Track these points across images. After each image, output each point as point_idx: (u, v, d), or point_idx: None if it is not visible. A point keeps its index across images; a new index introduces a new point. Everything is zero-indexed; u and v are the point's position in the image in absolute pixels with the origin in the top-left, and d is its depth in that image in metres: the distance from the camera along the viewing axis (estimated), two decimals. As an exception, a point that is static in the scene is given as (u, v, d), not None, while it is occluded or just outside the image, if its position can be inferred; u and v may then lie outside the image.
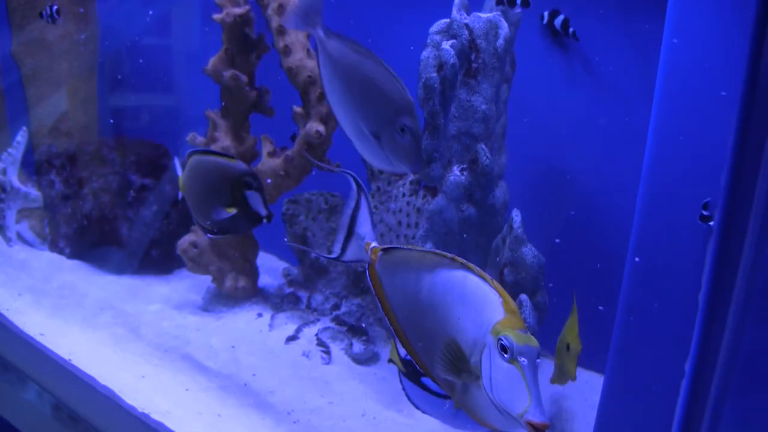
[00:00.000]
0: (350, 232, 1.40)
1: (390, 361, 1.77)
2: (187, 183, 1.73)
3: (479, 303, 1.15)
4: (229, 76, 2.09)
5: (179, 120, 2.91)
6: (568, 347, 1.66)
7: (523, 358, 1.07)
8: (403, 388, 1.62)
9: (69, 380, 2.02)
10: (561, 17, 1.86)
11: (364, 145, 1.31)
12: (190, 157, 1.70)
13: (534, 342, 1.08)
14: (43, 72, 2.73)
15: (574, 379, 1.65)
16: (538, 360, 1.08)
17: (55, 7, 2.16)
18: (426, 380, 1.57)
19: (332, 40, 1.32)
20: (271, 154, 2.11)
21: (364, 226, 1.39)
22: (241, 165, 1.64)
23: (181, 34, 2.80)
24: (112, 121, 2.91)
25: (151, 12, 2.51)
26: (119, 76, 2.98)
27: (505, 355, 1.07)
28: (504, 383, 1.09)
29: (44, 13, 2.22)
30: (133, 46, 2.95)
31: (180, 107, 2.91)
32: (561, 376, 1.71)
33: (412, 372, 1.58)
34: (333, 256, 1.41)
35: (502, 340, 1.08)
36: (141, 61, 2.91)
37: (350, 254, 1.41)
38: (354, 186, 1.37)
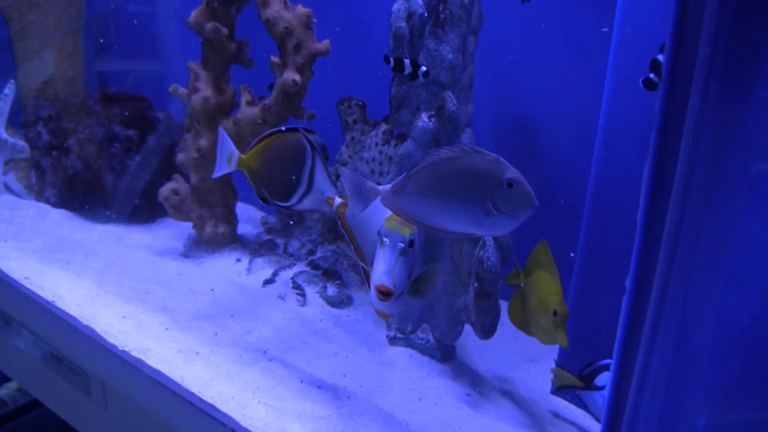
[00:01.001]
0: (309, 187, 1.60)
1: (558, 388, 1.88)
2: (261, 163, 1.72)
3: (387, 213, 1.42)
4: (210, 28, 2.19)
5: (164, 78, 2.99)
6: (555, 313, 1.61)
7: (386, 239, 1.39)
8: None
9: (52, 321, 2.11)
10: None
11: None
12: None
13: (402, 230, 1.39)
14: (30, 27, 2.80)
15: (566, 346, 1.62)
16: (406, 246, 1.38)
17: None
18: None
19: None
20: (250, 103, 2.20)
21: (322, 182, 1.60)
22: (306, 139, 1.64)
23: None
24: (97, 75, 2.99)
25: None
26: (105, 34, 3.06)
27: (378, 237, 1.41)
28: (375, 257, 1.42)
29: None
30: (118, 4, 3.02)
31: (164, 67, 2.99)
32: (548, 340, 1.69)
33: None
34: (288, 204, 1.58)
35: (380, 227, 1.41)
36: (133, 21, 2.99)
37: (306, 204, 1.64)
38: (307, 146, 1.56)
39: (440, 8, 1.80)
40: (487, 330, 1.84)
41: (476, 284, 1.77)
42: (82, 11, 2.86)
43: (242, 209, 2.60)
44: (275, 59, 2.12)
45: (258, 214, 2.72)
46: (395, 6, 1.83)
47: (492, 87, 2.09)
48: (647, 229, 1.03)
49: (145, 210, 2.70)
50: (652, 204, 1.02)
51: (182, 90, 2.31)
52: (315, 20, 2.06)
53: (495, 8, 1.98)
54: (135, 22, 3.02)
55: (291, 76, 2.06)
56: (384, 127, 2.14)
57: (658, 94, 0.99)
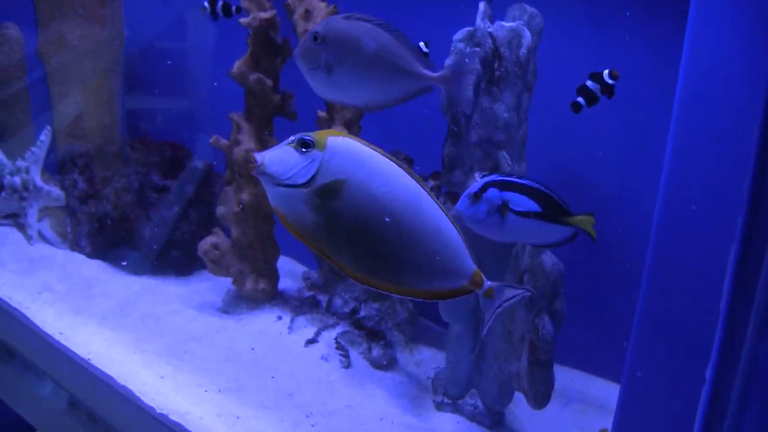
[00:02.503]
0: None
1: None
2: None
3: None
4: (255, 79, 2.18)
5: (200, 123, 3.00)
6: None
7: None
8: None
9: (88, 379, 2.10)
10: None
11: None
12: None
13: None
14: (67, 71, 2.82)
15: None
16: (296, 140, 1.28)
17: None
18: None
19: None
20: (295, 157, 2.20)
21: None
22: None
23: (203, 36, 2.88)
24: (133, 122, 3.00)
25: (173, 13, 2.58)
26: (141, 77, 3.07)
27: None
28: None
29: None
30: (155, 47, 3.03)
31: (201, 109, 2.99)
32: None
33: None
34: None
35: None
36: (168, 62, 3.00)
37: None
38: None
39: (495, 65, 1.78)
40: (540, 399, 1.81)
41: (530, 352, 1.74)
42: (121, 56, 2.87)
43: (283, 262, 2.58)
44: (321, 113, 2.11)
45: (300, 268, 2.71)
46: (447, 61, 1.82)
47: (546, 142, 2.07)
48: (730, 322, 0.99)
49: (182, 261, 2.69)
50: (737, 294, 0.98)
51: (223, 141, 2.31)
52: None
53: (549, 62, 1.95)
54: (168, 61, 3.03)
55: (339, 131, 2.04)
56: (432, 183, 2.12)
57: (748, 178, 0.96)
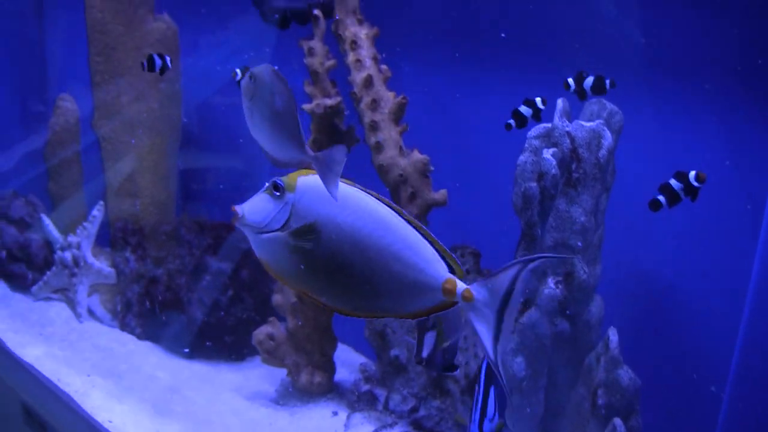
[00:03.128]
0: None
1: None
2: None
3: None
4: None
5: (246, 178, 2.98)
6: None
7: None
8: None
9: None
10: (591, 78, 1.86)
11: None
12: None
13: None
14: (123, 147, 2.83)
15: None
16: (270, 185, 1.31)
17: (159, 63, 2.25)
18: None
19: None
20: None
21: None
22: None
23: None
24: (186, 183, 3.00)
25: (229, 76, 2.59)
26: (196, 140, 3.07)
27: None
28: None
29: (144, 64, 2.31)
30: (209, 114, 3.03)
31: (247, 166, 2.97)
32: None
33: None
34: None
35: None
36: (219, 125, 2.99)
37: None
38: None
39: (573, 166, 1.72)
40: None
41: None
42: (179, 135, 2.87)
43: (340, 350, 2.52)
44: (388, 207, 2.06)
45: (358, 358, 2.65)
46: (521, 158, 1.77)
47: (622, 244, 2.00)
48: None
49: (235, 347, 2.64)
50: None
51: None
52: (432, 168, 2.01)
53: (628, 161, 1.90)
54: (222, 121, 3.03)
55: (403, 228, 1.99)
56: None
57: None
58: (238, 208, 1.31)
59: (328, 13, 2.17)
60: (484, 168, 2.17)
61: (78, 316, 2.91)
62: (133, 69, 2.69)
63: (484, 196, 2.15)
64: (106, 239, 3.06)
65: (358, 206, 1.30)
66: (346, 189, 1.31)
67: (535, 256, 1.47)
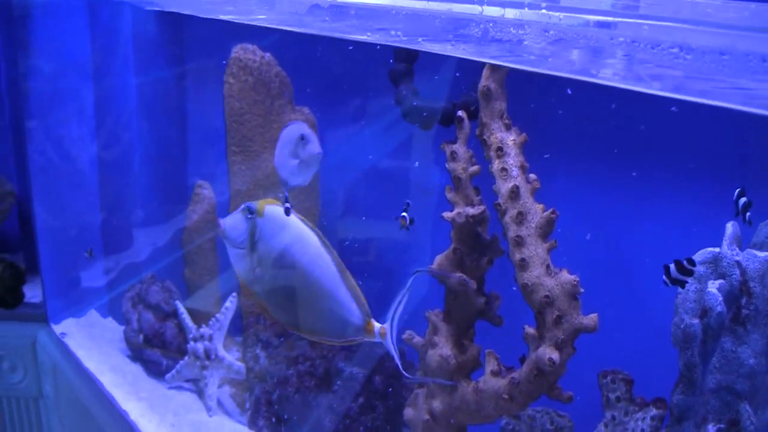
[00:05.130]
0: None
1: None
2: None
3: None
4: (457, 280, 2.05)
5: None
6: None
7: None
8: None
9: None
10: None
11: None
12: None
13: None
14: None
15: None
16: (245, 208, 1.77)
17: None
18: None
19: None
20: (495, 374, 2.01)
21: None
22: None
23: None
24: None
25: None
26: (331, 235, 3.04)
27: None
28: None
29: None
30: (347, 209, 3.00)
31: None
32: None
33: None
34: None
35: None
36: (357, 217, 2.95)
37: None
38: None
39: (743, 302, 1.57)
40: None
41: None
42: (317, 217, 2.85)
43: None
44: (530, 330, 1.93)
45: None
46: (684, 291, 1.62)
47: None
48: None
49: None
50: None
51: (418, 339, 2.17)
52: (582, 290, 1.87)
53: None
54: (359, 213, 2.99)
55: (548, 354, 1.85)
56: (654, 412, 1.91)
57: None
58: (221, 222, 1.75)
59: (473, 114, 2.08)
60: (640, 292, 2.04)
61: (208, 409, 2.92)
62: (269, 160, 2.69)
63: (638, 321, 2.01)
64: (239, 329, 3.08)
65: (312, 248, 1.76)
66: (299, 227, 1.76)
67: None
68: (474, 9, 1.66)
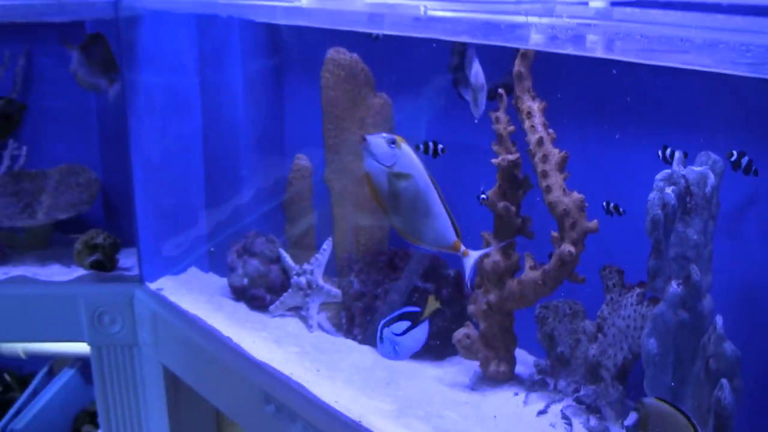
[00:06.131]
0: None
1: None
2: None
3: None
4: (502, 206, 2.97)
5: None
6: None
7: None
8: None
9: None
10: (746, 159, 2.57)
11: None
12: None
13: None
14: (348, 196, 3.65)
15: None
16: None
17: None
18: None
19: None
20: (533, 268, 2.94)
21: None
22: None
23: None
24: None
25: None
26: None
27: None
28: None
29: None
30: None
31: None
32: None
33: None
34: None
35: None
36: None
37: None
38: None
39: (687, 199, 2.48)
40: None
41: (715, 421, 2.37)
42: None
43: (518, 352, 3.24)
44: (554, 234, 2.85)
45: (530, 357, 3.40)
46: (651, 196, 2.50)
47: (726, 259, 2.71)
48: None
49: (438, 349, 3.37)
50: None
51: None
52: (587, 204, 2.80)
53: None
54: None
55: (567, 248, 2.77)
56: (638, 290, 2.79)
57: None
58: (367, 137, 2.32)
59: (509, 90, 3.00)
60: (625, 205, 2.91)
61: (309, 327, 3.67)
62: (356, 135, 3.57)
63: (625, 225, 2.89)
64: (333, 270, 3.82)
65: (425, 179, 2.37)
66: (422, 167, 2.38)
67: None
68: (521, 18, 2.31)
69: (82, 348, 4.30)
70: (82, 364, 5.00)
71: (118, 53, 4.29)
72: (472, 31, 2.55)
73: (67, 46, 4.56)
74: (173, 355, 3.89)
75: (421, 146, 2.94)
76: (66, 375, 4.92)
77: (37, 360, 5.15)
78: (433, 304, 2.80)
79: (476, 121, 2.79)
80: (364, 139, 2.33)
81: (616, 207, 2.73)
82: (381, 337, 2.72)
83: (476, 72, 2.70)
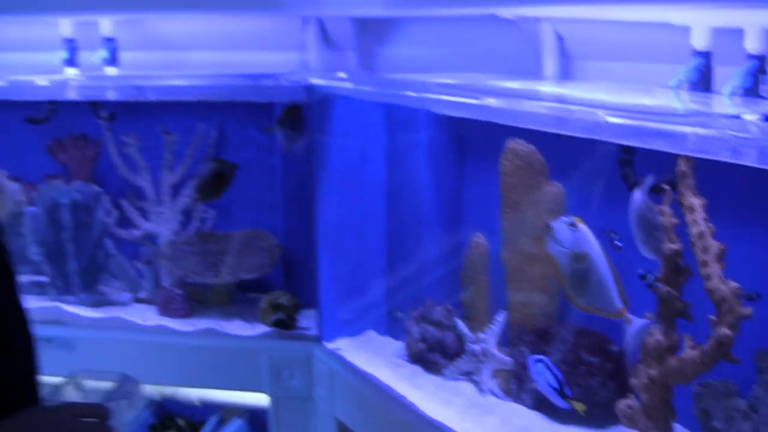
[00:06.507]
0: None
1: None
2: None
3: None
4: (665, 291, 3.29)
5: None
6: None
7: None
8: None
9: None
10: None
11: None
12: None
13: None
14: (522, 274, 4.02)
15: None
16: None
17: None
18: None
19: None
20: (692, 348, 3.26)
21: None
22: None
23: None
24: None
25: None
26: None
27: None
28: None
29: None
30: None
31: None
32: None
33: None
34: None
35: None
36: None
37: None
38: None
39: None
40: None
41: None
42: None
43: (675, 427, 3.49)
44: (713, 318, 3.16)
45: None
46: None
47: None
48: None
49: (599, 419, 3.69)
50: None
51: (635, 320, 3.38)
52: (743, 293, 3.10)
53: None
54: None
55: (724, 331, 3.09)
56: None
57: None
58: (553, 224, 2.84)
59: (673, 187, 3.33)
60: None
61: (481, 391, 4.01)
62: (531, 219, 3.95)
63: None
64: (505, 341, 4.15)
65: (600, 253, 2.85)
66: (597, 243, 2.85)
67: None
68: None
69: (251, 399, 4.89)
70: (250, 415, 5.36)
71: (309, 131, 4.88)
72: (641, 136, 2.89)
73: (269, 130, 5.19)
74: (347, 409, 4.24)
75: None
76: (236, 424, 5.29)
77: (209, 408, 5.53)
78: (579, 407, 3.45)
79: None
80: (550, 227, 2.78)
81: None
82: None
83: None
